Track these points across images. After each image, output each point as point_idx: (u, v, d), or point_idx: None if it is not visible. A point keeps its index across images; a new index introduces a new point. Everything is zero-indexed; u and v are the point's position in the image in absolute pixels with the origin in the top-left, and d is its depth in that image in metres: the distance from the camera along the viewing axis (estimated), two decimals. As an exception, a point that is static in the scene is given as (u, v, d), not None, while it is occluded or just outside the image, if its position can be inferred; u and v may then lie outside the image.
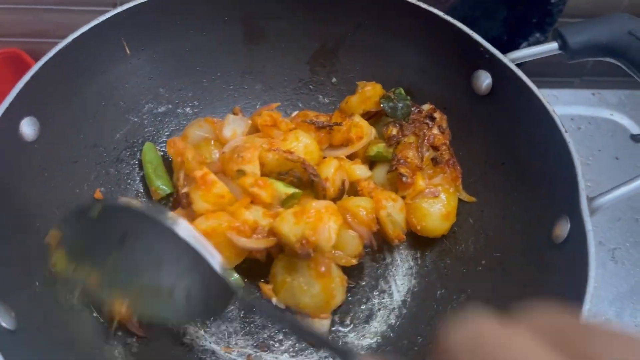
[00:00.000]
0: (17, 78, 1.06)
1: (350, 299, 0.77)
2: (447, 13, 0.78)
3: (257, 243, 0.70)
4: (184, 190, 0.72)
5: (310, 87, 0.92)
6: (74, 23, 1.07)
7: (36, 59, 1.04)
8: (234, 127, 0.81)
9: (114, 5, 1.03)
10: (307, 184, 0.76)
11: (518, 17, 1.05)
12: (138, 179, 0.84)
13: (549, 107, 0.70)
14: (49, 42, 1.10)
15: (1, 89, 1.06)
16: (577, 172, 0.66)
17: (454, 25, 0.78)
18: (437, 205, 0.77)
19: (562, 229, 0.66)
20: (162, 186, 0.81)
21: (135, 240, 0.55)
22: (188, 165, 0.76)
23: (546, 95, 0.71)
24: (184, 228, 0.53)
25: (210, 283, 0.54)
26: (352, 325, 0.76)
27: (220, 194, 0.71)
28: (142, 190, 0.83)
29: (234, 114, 0.88)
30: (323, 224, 0.67)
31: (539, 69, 0.75)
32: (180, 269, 0.55)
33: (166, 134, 0.87)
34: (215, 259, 0.53)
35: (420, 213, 0.77)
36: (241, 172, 0.73)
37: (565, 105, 1.08)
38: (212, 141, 0.81)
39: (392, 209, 0.76)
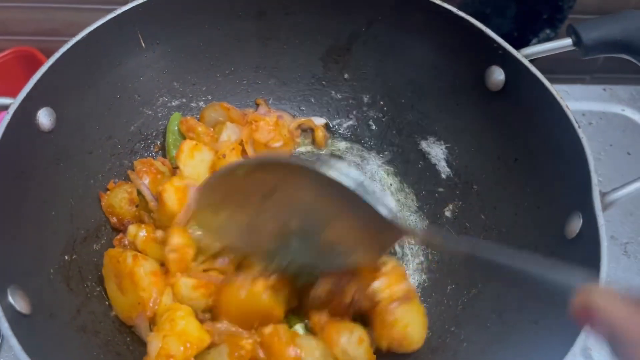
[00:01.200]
0: (30, 75, 1.09)
1: (360, 293, 0.77)
2: (458, 9, 0.78)
3: None
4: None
5: (323, 82, 0.92)
6: (86, 21, 1.08)
7: (49, 56, 1.06)
8: (229, 133, 0.83)
9: (126, 3, 1.06)
10: None
11: (528, 14, 1.05)
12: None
13: (563, 103, 0.70)
14: (61, 41, 1.12)
15: (15, 86, 1.08)
16: (590, 167, 0.65)
17: (467, 21, 0.77)
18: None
19: (575, 224, 0.65)
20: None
21: (279, 197, 0.58)
22: (199, 138, 0.81)
23: (557, 91, 0.71)
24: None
25: (370, 225, 0.55)
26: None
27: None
28: (154, 183, 0.84)
29: (257, 104, 0.90)
30: None
31: (550, 65, 0.75)
32: (330, 215, 0.57)
33: (179, 127, 0.88)
34: (381, 202, 0.54)
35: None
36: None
37: (576, 101, 1.08)
38: (227, 123, 0.83)
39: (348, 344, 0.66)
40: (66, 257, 0.70)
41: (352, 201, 0.55)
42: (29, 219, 0.66)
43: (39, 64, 1.06)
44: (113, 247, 0.75)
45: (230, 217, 0.66)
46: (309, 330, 0.71)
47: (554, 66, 1.02)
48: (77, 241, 0.73)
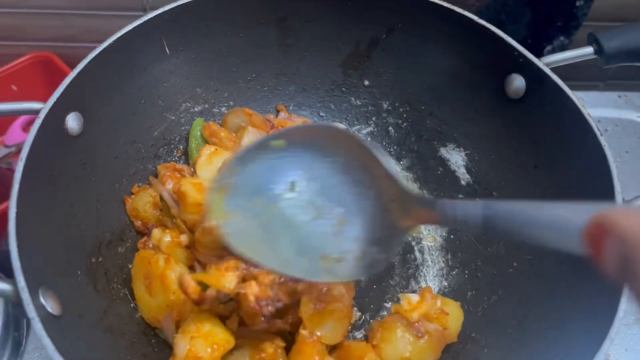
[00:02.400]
0: (48, 81, 1.12)
1: (381, 298, 0.78)
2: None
3: None
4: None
5: (343, 89, 0.93)
6: (104, 28, 1.11)
7: (67, 62, 1.09)
8: (251, 138, 0.83)
9: (144, 10, 1.07)
10: None
11: (543, 21, 1.06)
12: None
13: (584, 111, 0.71)
14: (79, 47, 1.16)
15: (34, 91, 1.11)
16: (613, 175, 0.66)
17: (487, 29, 0.78)
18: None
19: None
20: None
21: (305, 184, 0.58)
22: (221, 144, 0.81)
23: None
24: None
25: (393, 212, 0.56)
26: (382, 324, 0.76)
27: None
28: (177, 187, 0.85)
29: (278, 110, 0.92)
30: None
31: (564, 72, 0.76)
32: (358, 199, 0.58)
33: (202, 132, 0.89)
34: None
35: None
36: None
37: (591, 108, 1.07)
38: (249, 128, 0.84)
39: None
40: (93, 260, 0.71)
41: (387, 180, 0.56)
42: (57, 221, 0.68)
43: (58, 69, 1.10)
44: (137, 250, 0.76)
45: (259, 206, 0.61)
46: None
47: (568, 73, 1.02)
48: (102, 244, 0.74)
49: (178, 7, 0.79)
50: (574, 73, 1.07)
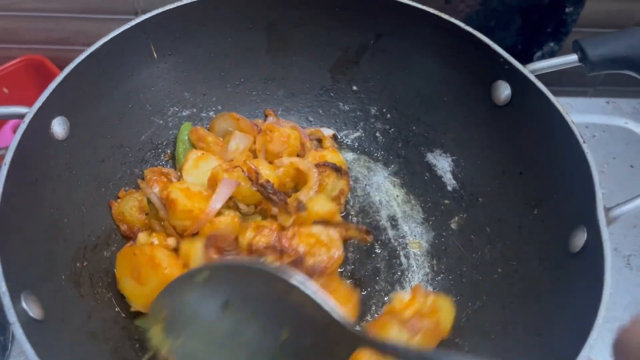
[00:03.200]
0: (40, 84, 1.12)
1: (366, 303, 0.78)
2: (464, 23, 0.79)
3: None
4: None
5: (331, 94, 0.94)
6: (95, 31, 1.11)
7: (58, 65, 1.09)
8: (237, 142, 0.84)
9: (136, 14, 1.07)
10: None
11: (533, 27, 1.07)
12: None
13: (568, 118, 0.71)
14: (71, 50, 1.16)
15: (25, 94, 1.11)
16: (595, 182, 0.66)
17: (474, 36, 0.79)
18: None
19: (579, 238, 0.66)
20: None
21: (240, 303, 0.57)
22: (208, 148, 0.83)
23: (561, 104, 0.71)
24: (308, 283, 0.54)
25: (327, 336, 0.54)
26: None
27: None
28: (164, 191, 0.85)
29: (266, 115, 0.92)
30: None
31: (553, 78, 0.77)
32: (291, 323, 0.55)
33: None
34: (339, 311, 0.53)
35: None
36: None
37: (579, 114, 1.09)
38: (235, 132, 0.85)
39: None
40: (77, 264, 0.71)
41: (311, 308, 0.54)
42: (42, 225, 0.68)
43: (49, 72, 1.10)
44: (123, 254, 0.76)
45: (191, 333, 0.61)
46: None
47: (557, 79, 1.03)
48: (87, 248, 0.74)
49: (166, 12, 0.79)
50: (564, 79, 1.08)
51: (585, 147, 0.69)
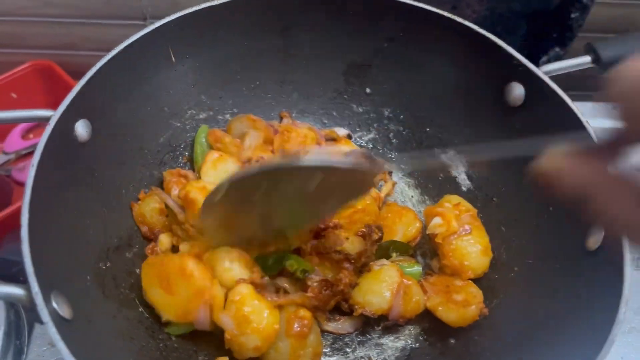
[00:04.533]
0: (48, 89, 1.13)
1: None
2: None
3: None
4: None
5: (345, 97, 0.95)
6: (103, 36, 1.12)
7: (66, 70, 1.10)
8: (251, 140, 0.86)
9: (144, 19, 1.08)
10: None
11: (538, 32, 1.08)
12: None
13: (583, 119, 0.72)
14: (79, 55, 1.16)
15: (33, 99, 1.12)
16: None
17: (487, 38, 0.80)
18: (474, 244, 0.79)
19: (597, 236, 0.67)
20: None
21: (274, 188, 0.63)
22: (226, 149, 0.84)
23: (579, 107, 0.72)
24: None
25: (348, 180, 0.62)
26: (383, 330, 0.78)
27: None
28: (182, 193, 0.86)
29: (281, 117, 0.93)
30: None
31: (562, 83, 0.78)
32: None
33: (206, 139, 0.90)
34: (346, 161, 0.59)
35: (459, 253, 0.78)
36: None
37: (587, 118, 1.09)
38: (250, 131, 0.86)
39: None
40: (101, 265, 0.72)
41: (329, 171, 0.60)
42: (66, 227, 0.68)
43: (57, 77, 1.11)
44: (145, 255, 0.77)
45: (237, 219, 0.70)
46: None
47: (567, 83, 1.04)
48: (110, 249, 0.75)
49: (184, 16, 0.80)
50: (573, 84, 1.08)
51: (600, 147, 0.70)
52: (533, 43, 1.10)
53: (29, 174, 0.62)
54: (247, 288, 0.68)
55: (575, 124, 0.73)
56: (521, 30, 1.08)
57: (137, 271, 0.75)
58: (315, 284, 0.72)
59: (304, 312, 0.70)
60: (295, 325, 0.68)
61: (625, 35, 0.79)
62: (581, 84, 1.17)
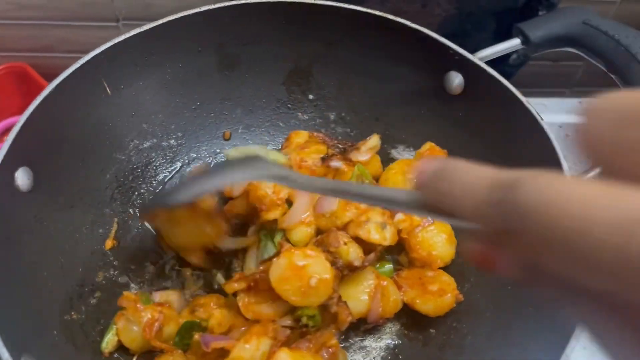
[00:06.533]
0: (23, 92, 1.10)
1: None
2: (438, 26, 0.82)
3: None
4: None
5: (289, 105, 0.95)
6: (78, 38, 1.11)
7: (41, 73, 1.08)
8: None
9: (117, 21, 1.06)
10: None
11: (507, 29, 1.10)
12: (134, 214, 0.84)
13: (523, 99, 0.75)
14: (54, 57, 1.14)
15: (8, 102, 1.09)
16: (558, 153, 0.70)
17: (422, 32, 0.82)
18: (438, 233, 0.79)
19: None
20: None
21: None
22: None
23: (534, 104, 0.74)
24: None
25: None
26: (364, 332, 0.78)
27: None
28: (138, 227, 0.83)
29: (225, 138, 0.91)
30: None
31: (528, 81, 0.80)
32: None
33: (154, 167, 0.87)
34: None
35: (426, 244, 0.78)
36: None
37: (553, 113, 1.11)
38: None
39: None
40: (66, 317, 0.68)
41: None
42: (24, 284, 0.65)
43: (31, 80, 1.08)
44: (109, 299, 0.73)
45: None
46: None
47: (532, 81, 1.08)
48: (73, 298, 0.71)
49: (114, 46, 0.77)
50: (540, 81, 1.12)
51: (543, 123, 0.73)
52: (503, 39, 1.12)
53: (-26, 235, 0.58)
54: (286, 352, 0.63)
55: (515, 105, 0.76)
56: (490, 27, 1.10)
57: (102, 320, 0.71)
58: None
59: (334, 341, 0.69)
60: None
61: (549, 14, 0.82)
62: (548, 82, 1.21)
